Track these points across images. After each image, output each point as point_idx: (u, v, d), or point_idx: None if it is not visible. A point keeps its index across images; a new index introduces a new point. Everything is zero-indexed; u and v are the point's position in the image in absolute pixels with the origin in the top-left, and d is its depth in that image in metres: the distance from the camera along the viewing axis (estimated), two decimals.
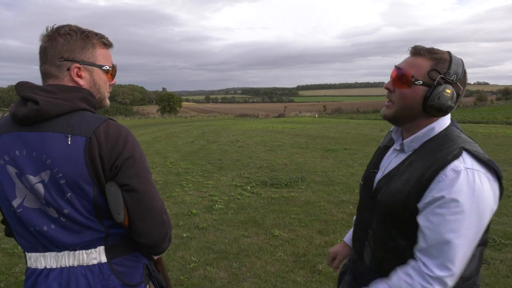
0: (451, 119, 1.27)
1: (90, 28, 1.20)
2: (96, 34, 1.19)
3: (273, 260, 3.67)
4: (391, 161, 1.31)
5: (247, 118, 40.34)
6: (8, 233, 1.28)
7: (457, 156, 1.11)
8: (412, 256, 1.17)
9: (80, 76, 1.15)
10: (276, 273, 3.41)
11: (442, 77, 1.16)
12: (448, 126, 1.23)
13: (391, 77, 1.25)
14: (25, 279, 1.18)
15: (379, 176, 1.31)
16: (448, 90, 1.16)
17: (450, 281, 1.08)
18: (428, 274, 1.08)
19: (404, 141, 1.27)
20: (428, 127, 1.22)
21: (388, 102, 1.26)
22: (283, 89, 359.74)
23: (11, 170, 1.09)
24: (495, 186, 1.11)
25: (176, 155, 10.27)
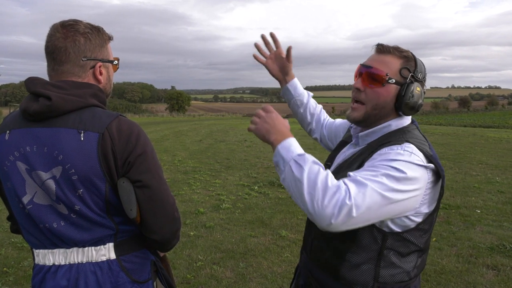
0: (413, 119, 1.28)
1: (103, 26, 1.20)
2: (103, 29, 1.20)
3: (279, 261, 3.66)
4: (345, 154, 1.32)
5: None
6: (15, 230, 1.28)
7: (397, 144, 1.10)
8: (344, 249, 1.17)
9: (101, 74, 1.17)
10: (282, 274, 3.40)
11: (412, 75, 1.18)
12: (407, 125, 1.23)
13: (358, 76, 1.23)
14: (32, 276, 1.18)
15: (332, 169, 1.33)
16: (419, 88, 1.18)
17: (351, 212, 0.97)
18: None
19: (359, 134, 1.27)
20: (386, 123, 1.22)
21: (354, 104, 1.24)
22: None
23: (21, 166, 1.08)
24: (427, 175, 1.07)
25: (184, 154, 10.29)
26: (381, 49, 1.21)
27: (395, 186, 1.01)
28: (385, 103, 1.19)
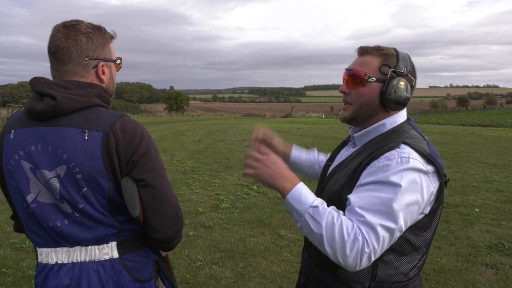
0: (408, 117, 1.28)
1: (104, 26, 1.21)
2: (105, 28, 1.21)
3: (279, 261, 3.66)
4: (343, 154, 1.34)
5: (253, 118, 40.35)
6: (18, 229, 1.29)
7: (393, 147, 1.11)
8: None
9: (104, 73, 1.18)
10: (282, 273, 3.41)
11: (393, 70, 1.19)
12: (402, 123, 1.24)
13: (343, 80, 1.27)
14: (35, 274, 1.19)
15: (331, 168, 1.35)
16: (402, 82, 1.18)
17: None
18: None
19: (355, 135, 1.29)
20: (379, 122, 1.23)
21: (345, 105, 1.28)
22: (290, 89, 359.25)
23: (26, 165, 1.09)
24: (429, 180, 1.09)
25: (183, 154, 10.29)
26: (361, 51, 1.25)
27: (402, 202, 1.04)
28: (370, 101, 1.21)
